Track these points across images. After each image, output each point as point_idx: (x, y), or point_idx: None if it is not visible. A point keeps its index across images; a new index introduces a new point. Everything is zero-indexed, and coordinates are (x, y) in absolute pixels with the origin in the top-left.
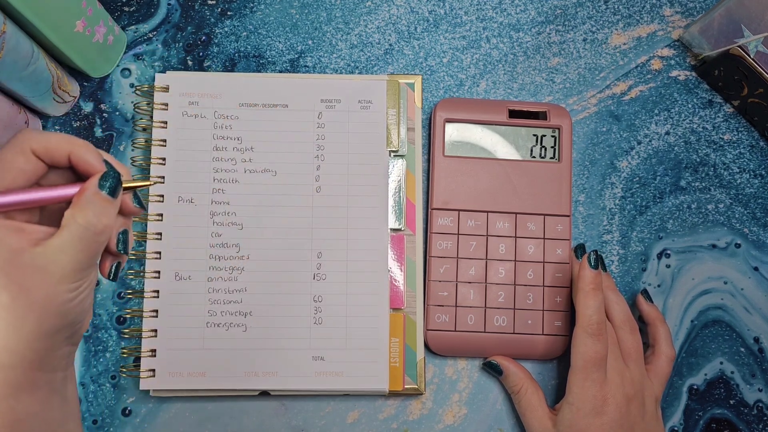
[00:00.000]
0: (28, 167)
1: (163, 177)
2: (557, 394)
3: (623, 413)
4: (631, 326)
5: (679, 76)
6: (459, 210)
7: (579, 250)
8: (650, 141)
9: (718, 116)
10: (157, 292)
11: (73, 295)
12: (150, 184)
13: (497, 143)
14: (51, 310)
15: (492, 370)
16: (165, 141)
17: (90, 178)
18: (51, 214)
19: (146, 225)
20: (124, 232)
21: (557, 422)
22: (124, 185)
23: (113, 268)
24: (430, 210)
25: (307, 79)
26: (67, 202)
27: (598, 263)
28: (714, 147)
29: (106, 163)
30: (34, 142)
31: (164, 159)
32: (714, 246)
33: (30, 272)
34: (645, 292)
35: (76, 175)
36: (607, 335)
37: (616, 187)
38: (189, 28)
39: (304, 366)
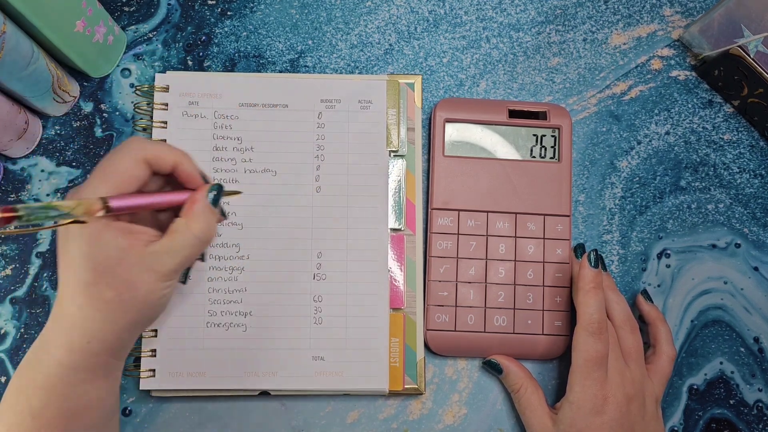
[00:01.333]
0: (141, 174)
1: None
2: (557, 393)
3: (623, 412)
4: (632, 326)
5: (679, 76)
6: (459, 210)
7: (579, 249)
8: (650, 141)
9: (718, 116)
10: None
11: (167, 291)
12: (239, 194)
13: (497, 143)
14: (150, 303)
15: (492, 368)
16: (165, 141)
17: (199, 191)
18: (142, 217)
19: None
20: None
21: (557, 421)
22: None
23: (184, 274)
24: (430, 210)
25: (307, 79)
26: (172, 208)
27: (598, 262)
28: (714, 147)
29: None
30: (147, 152)
31: None
32: (714, 246)
33: (137, 270)
34: (645, 293)
35: (168, 181)
36: (608, 334)
37: (616, 187)
38: (189, 28)
39: (304, 366)
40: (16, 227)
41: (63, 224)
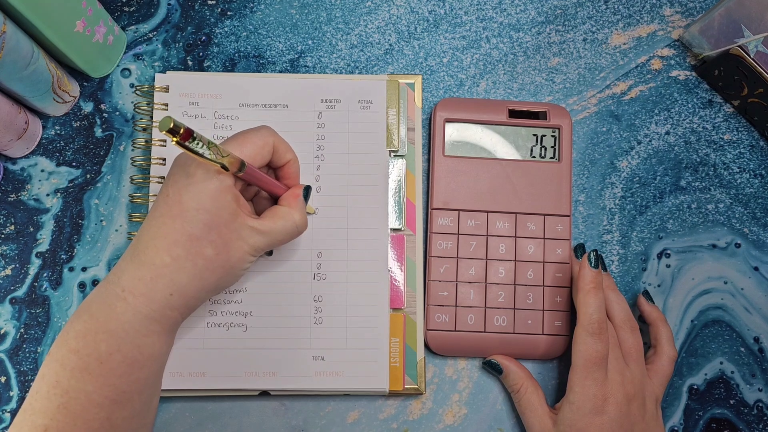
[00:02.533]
0: (266, 154)
1: (164, 177)
2: (557, 393)
3: (623, 412)
4: (632, 326)
5: (679, 76)
6: (459, 210)
7: (579, 249)
8: (650, 141)
9: (718, 116)
10: None
11: (249, 266)
12: (312, 212)
13: (497, 143)
14: (235, 272)
15: (492, 369)
16: (165, 141)
17: (297, 186)
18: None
19: None
20: None
21: (557, 421)
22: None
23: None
24: (430, 210)
25: (307, 79)
26: (272, 195)
27: (598, 263)
28: (714, 147)
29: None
30: (276, 140)
31: (164, 159)
32: (714, 246)
33: (236, 237)
34: (646, 293)
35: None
36: (608, 335)
37: (616, 187)
38: (189, 28)
39: (304, 366)
40: (185, 145)
41: (211, 161)
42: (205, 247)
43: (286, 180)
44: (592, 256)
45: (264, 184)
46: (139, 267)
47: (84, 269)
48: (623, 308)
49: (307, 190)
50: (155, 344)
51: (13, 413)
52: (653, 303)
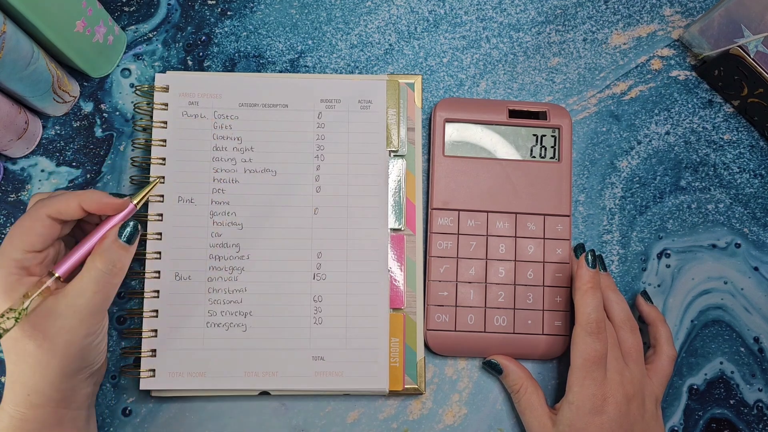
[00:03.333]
0: (46, 231)
1: (163, 177)
2: (557, 393)
3: (623, 412)
4: (632, 326)
5: (679, 76)
6: (459, 210)
7: (579, 249)
8: (650, 141)
9: (718, 116)
10: (157, 292)
11: (90, 339)
12: (154, 185)
13: (497, 143)
14: (71, 353)
15: (492, 369)
16: (165, 141)
17: (109, 231)
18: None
19: (146, 225)
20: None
21: (557, 421)
22: (136, 200)
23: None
24: (430, 210)
25: (307, 79)
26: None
27: (596, 262)
28: (714, 147)
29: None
30: (48, 210)
31: (164, 159)
32: (714, 246)
33: (52, 319)
34: (645, 293)
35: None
36: (607, 334)
37: (616, 187)
38: (189, 28)
39: (304, 366)
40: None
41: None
42: (27, 344)
43: (109, 213)
44: (589, 256)
45: (87, 252)
46: (6, 375)
47: None
48: (623, 308)
49: (126, 227)
50: None
51: None
52: (652, 303)
